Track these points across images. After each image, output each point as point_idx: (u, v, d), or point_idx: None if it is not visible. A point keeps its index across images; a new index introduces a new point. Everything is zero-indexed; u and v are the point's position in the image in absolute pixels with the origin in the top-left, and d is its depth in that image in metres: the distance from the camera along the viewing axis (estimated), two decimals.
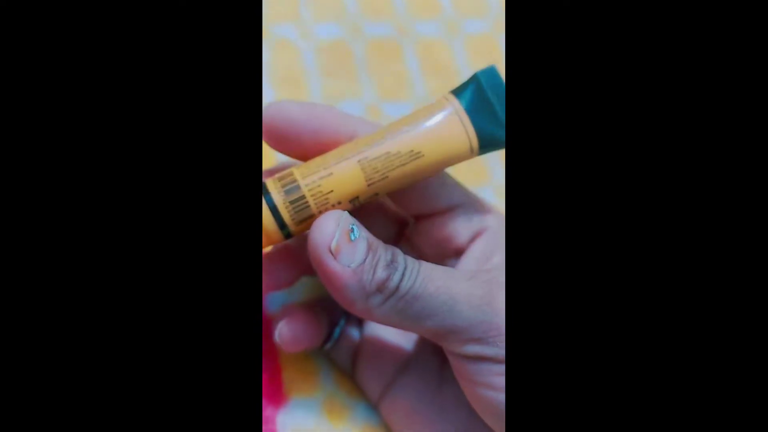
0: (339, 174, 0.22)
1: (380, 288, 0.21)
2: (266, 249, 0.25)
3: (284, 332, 0.26)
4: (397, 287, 0.22)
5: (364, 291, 0.21)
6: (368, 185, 0.22)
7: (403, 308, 0.22)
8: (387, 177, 0.23)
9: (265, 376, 0.28)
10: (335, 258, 0.21)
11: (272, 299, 0.30)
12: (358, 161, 0.22)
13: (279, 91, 0.33)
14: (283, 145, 0.24)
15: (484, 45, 0.34)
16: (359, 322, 0.29)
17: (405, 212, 0.26)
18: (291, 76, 0.33)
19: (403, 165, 0.23)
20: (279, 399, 0.28)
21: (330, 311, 0.28)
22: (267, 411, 0.28)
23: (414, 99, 0.34)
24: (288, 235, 0.23)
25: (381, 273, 0.21)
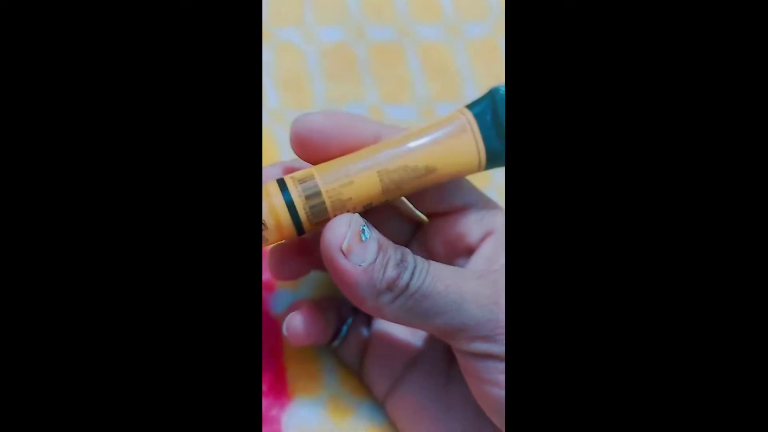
0: (359, 183, 0.23)
1: (390, 286, 0.22)
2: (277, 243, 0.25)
3: (292, 325, 0.26)
4: (407, 285, 0.22)
5: (375, 289, 0.22)
6: (383, 193, 0.23)
7: (412, 306, 0.22)
8: (401, 188, 0.23)
9: (269, 376, 0.29)
10: (347, 257, 0.22)
11: (278, 300, 0.30)
12: (378, 172, 0.23)
13: (282, 94, 0.33)
14: (311, 153, 0.24)
15: (485, 48, 0.35)
16: (367, 321, 0.29)
17: (420, 210, 0.27)
18: (294, 79, 0.34)
19: (418, 178, 0.23)
20: (283, 399, 0.28)
21: (338, 309, 0.28)
22: (272, 411, 0.28)
23: (416, 101, 0.34)
24: (300, 232, 0.23)
25: (391, 272, 0.22)
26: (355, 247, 0.22)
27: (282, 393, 0.29)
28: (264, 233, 0.23)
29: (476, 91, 0.34)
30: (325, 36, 0.34)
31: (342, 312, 0.28)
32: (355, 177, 0.23)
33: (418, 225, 0.28)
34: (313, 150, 0.24)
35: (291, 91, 0.33)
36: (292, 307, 0.27)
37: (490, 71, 0.34)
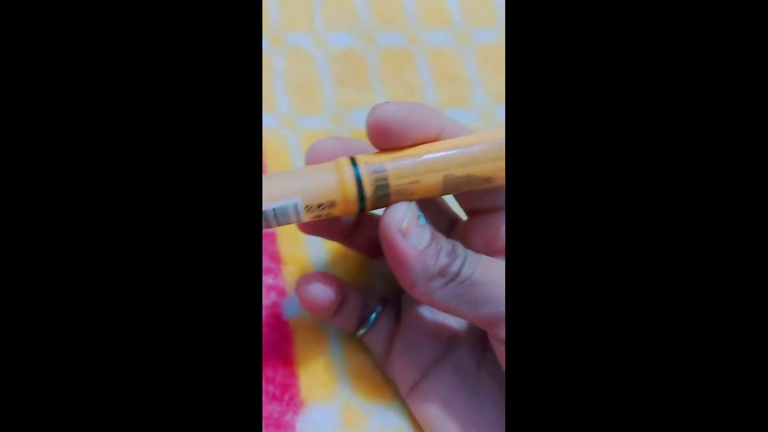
0: (425, 183, 0.24)
1: (442, 272, 0.23)
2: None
3: (302, 284, 0.26)
4: (458, 273, 0.23)
5: (427, 274, 0.23)
6: (441, 192, 0.24)
7: (461, 293, 0.23)
8: (457, 190, 0.24)
9: (282, 382, 0.29)
10: (405, 238, 0.23)
11: (290, 305, 0.30)
12: (444, 176, 0.24)
13: (293, 99, 0.33)
14: (386, 141, 0.24)
15: (494, 54, 0.35)
16: (396, 311, 0.29)
17: (463, 206, 0.28)
18: (305, 84, 0.34)
19: (475, 185, 0.24)
20: (297, 405, 0.28)
21: (365, 298, 0.29)
22: (286, 417, 0.28)
23: None
24: (362, 210, 0.24)
25: (444, 259, 0.23)
26: (413, 229, 0.23)
27: (295, 399, 0.28)
28: (330, 210, 0.24)
29: (485, 96, 0.34)
30: (335, 41, 0.35)
31: (369, 301, 0.29)
32: (422, 177, 0.24)
33: (453, 221, 0.29)
34: (389, 138, 0.24)
35: (301, 96, 0.34)
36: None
37: (498, 77, 0.35)
